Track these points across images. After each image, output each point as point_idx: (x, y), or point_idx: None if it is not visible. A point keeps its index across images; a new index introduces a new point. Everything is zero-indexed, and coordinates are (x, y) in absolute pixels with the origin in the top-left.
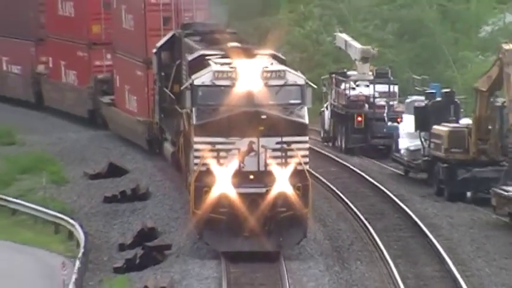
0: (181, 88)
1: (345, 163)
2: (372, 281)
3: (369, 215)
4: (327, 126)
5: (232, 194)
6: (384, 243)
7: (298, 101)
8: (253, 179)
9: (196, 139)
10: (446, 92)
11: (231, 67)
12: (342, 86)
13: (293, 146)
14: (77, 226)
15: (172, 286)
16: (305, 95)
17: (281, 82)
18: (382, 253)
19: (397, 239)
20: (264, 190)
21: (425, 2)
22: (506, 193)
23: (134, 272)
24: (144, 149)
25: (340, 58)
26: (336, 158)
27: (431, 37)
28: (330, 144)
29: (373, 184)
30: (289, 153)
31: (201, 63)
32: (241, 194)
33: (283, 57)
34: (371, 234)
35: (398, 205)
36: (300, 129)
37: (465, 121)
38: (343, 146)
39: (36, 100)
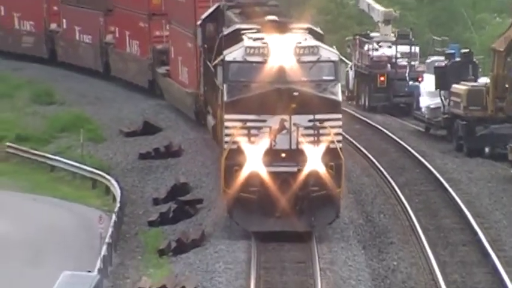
0: (213, 63)
1: (368, 121)
2: (395, 233)
3: (391, 170)
4: (351, 86)
5: (263, 173)
6: (406, 197)
7: (332, 78)
8: (284, 157)
9: (227, 116)
10: (465, 53)
11: (263, 43)
12: (365, 47)
13: (326, 123)
14: (113, 181)
15: (203, 239)
16: (338, 71)
17: (314, 58)
18: (404, 206)
19: (418, 193)
20: (295, 169)
21: None
22: None
23: (168, 225)
24: (192, 120)
25: (363, 20)
26: (360, 116)
27: (450, 0)
28: (354, 102)
29: (395, 141)
30: (321, 131)
31: (236, 37)
32: (272, 173)
33: (320, 32)
34: (393, 188)
35: (419, 160)
36: (333, 106)
37: (483, 80)
38: (367, 104)
39: (104, 70)
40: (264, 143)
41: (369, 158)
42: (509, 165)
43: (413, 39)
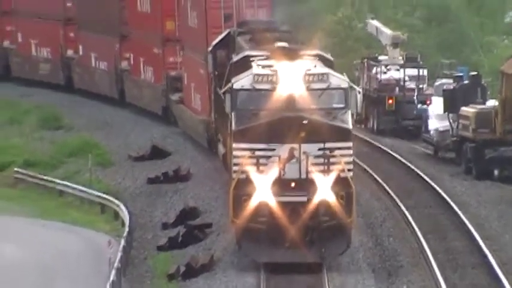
0: (222, 91)
1: (376, 144)
2: (404, 256)
3: (400, 193)
4: (359, 109)
5: (272, 202)
6: (415, 220)
7: (342, 105)
8: (294, 187)
9: (235, 145)
10: (473, 75)
11: (272, 70)
12: (374, 70)
13: (336, 152)
14: (122, 206)
15: (212, 263)
16: (349, 98)
17: (324, 85)
18: (413, 229)
19: (427, 216)
20: (305, 199)
21: None
22: None
23: (177, 250)
24: (203, 146)
25: (371, 43)
26: (369, 139)
27: (458, 23)
28: (363, 126)
29: (404, 163)
30: (331, 159)
31: (245, 64)
32: (281, 203)
33: (330, 58)
34: (402, 211)
35: (428, 183)
36: (343, 134)
37: (491, 103)
38: (375, 127)
39: (119, 96)
40: (273, 172)
41: (378, 181)
42: None
43: (421, 62)
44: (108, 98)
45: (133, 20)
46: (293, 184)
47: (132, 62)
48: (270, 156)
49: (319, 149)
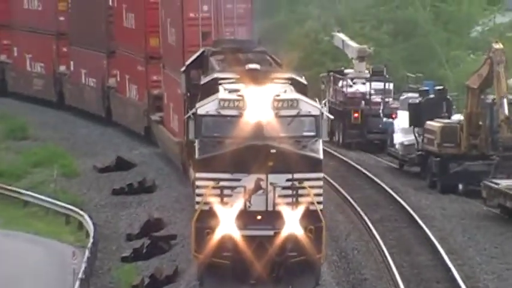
0: (186, 116)
1: (342, 157)
2: (369, 270)
3: (365, 206)
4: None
5: (237, 236)
6: (380, 234)
7: (312, 134)
8: (260, 220)
9: (198, 175)
10: (439, 89)
11: (239, 95)
12: (340, 84)
13: (305, 183)
14: (87, 217)
15: (177, 275)
16: (320, 126)
17: (293, 112)
18: (378, 243)
19: (392, 230)
20: (272, 232)
21: (419, 3)
22: (496, 186)
23: (141, 261)
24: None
25: (337, 57)
26: (334, 153)
27: (425, 37)
28: (328, 139)
29: (369, 177)
30: (300, 191)
31: (213, 87)
32: (246, 237)
33: (303, 82)
34: (367, 224)
35: (393, 197)
36: (313, 165)
37: (457, 117)
38: (341, 140)
39: (106, 115)
40: (238, 204)
41: (343, 194)
42: (482, 202)
43: (387, 76)
44: (95, 116)
45: (120, 35)
46: (259, 217)
47: (118, 79)
48: (235, 187)
49: (288, 180)
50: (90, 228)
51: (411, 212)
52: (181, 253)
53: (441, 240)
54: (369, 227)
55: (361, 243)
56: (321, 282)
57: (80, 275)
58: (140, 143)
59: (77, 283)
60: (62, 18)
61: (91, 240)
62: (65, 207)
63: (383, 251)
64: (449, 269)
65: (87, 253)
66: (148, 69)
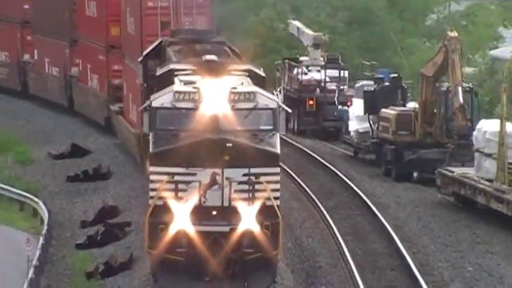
0: (140, 108)
1: (297, 145)
2: (323, 257)
3: (320, 194)
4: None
5: (192, 232)
6: (334, 221)
7: (270, 127)
8: (215, 215)
9: (152, 169)
10: (394, 77)
11: (195, 87)
12: (295, 71)
13: (262, 178)
14: (41, 204)
15: (132, 262)
16: (277, 119)
17: (250, 105)
18: (333, 230)
19: (346, 217)
20: (227, 228)
21: None
22: (450, 173)
23: (96, 248)
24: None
25: (292, 44)
26: (289, 140)
27: (380, 25)
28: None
29: (324, 165)
30: (257, 186)
31: (169, 79)
32: (201, 233)
33: (262, 74)
34: (322, 212)
35: (348, 185)
36: (270, 159)
37: (412, 105)
38: (296, 128)
39: (69, 104)
40: (193, 199)
41: (298, 181)
42: (437, 190)
43: (342, 64)
44: (58, 106)
45: (83, 24)
46: (215, 212)
47: (81, 68)
48: (190, 182)
49: (244, 175)
50: (45, 215)
51: (366, 199)
52: (136, 240)
53: (396, 228)
54: (323, 215)
55: (315, 231)
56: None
57: (34, 262)
58: (99, 132)
59: (31, 270)
60: (26, 6)
61: (45, 227)
62: (19, 194)
63: (337, 238)
64: (403, 257)
65: (41, 240)
66: (109, 59)
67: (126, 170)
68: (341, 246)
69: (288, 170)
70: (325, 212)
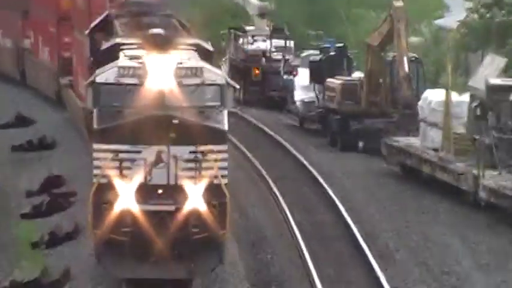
0: (85, 84)
1: (243, 115)
2: (269, 228)
3: (265, 164)
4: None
5: (137, 211)
6: (280, 191)
7: (217, 103)
8: (161, 194)
9: (96, 146)
10: (339, 47)
11: (140, 62)
12: (240, 41)
13: (209, 156)
14: None
15: (77, 232)
16: (225, 96)
17: (197, 81)
18: (278, 200)
19: (292, 187)
20: (173, 208)
21: None
22: (395, 143)
23: (41, 218)
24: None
25: (238, 14)
26: (234, 110)
27: None
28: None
29: (270, 134)
30: (204, 164)
31: (114, 53)
32: (146, 212)
33: (210, 48)
34: (267, 182)
35: (294, 155)
36: (218, 136)
37: (357, 75)
38: (241, 98)
39: (21, 78)
40: (137, 177)
41: (243, 151)
42: (382, 160)
43: (288, 33)
44: (10, 79)
45: None
46: (160, 191)
47: (32, 40)
48: (134, 160)
49: (191, 152)
50: None
51: (311, 169)
52: (81, 210)
53: (341, 198)
54: (269, 185)
55: (261, 202)
56: None
57: None
58: (50, 106)
59: None
60: None
61: None
62: None
63: (283, 208)
64: (349, 226)
65: None
66: (60, 31)
67: (72, 140)
68: (287, 217)
69: (233, 139)
70: (270, 182)
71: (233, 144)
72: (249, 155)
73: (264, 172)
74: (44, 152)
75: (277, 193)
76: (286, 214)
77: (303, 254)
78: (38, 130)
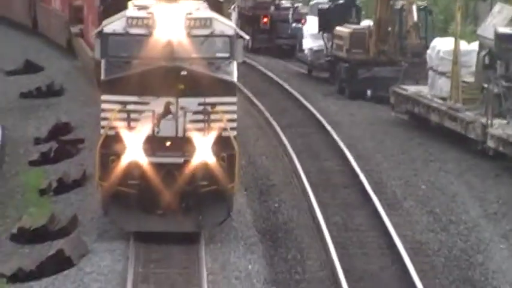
0: (92, 34)
1: (251, 62)
2: (276, 175)
3: (273, 112)
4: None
5: (145, 163)
6: (288, 139)
7: (226, 55)
8: (169, 146)
9: (103, 97)
10: None
11: (149, 12)
12: None
13: (218, 108)
14: None
15: (84, 179)
16: (235, 47)
17: (206, 32)
18: (286, 148)
19: (300, 135)
20: (181, 160)
21: None
22: (404, 92)
23: (49, 165)
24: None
25: None
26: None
27: None
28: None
29: (278, 83)
30: (213, 116)
31: (123, 4)
32: (154, 164)
33: None
34: (275, 130)
35: (302, 103)
36: (227, 88)
37: (366, 23)
38: (250, 46)
39: (33, 25)
40: (145, 129)
41: (251, 99)
42: (390, 108)
43: None
44: (22, 27)
45: None
46: (168, 143)
47: None
48: (142, 111)
49: (199, 104)
50: None
51: (320, 117)
52: (88, 157)
53: (349, 146)
54: (277, 133)
55: (269, 149)
56: None
57: None
58: (61, 54)
59: None
60: None
61: None
62: None
63: (291, 156)
64: (357, 175)
65: None
66: None
67: (80, 88)
68: (294, 165)
69: (241, 87)
70: (278, 130)
71: (242, 92)
72: (257, 102)
73: (271, 120)
74: (52, 99)
75: (285, 140)
76: (294, 162)
77: (311, 202)
78: (47, 77)
